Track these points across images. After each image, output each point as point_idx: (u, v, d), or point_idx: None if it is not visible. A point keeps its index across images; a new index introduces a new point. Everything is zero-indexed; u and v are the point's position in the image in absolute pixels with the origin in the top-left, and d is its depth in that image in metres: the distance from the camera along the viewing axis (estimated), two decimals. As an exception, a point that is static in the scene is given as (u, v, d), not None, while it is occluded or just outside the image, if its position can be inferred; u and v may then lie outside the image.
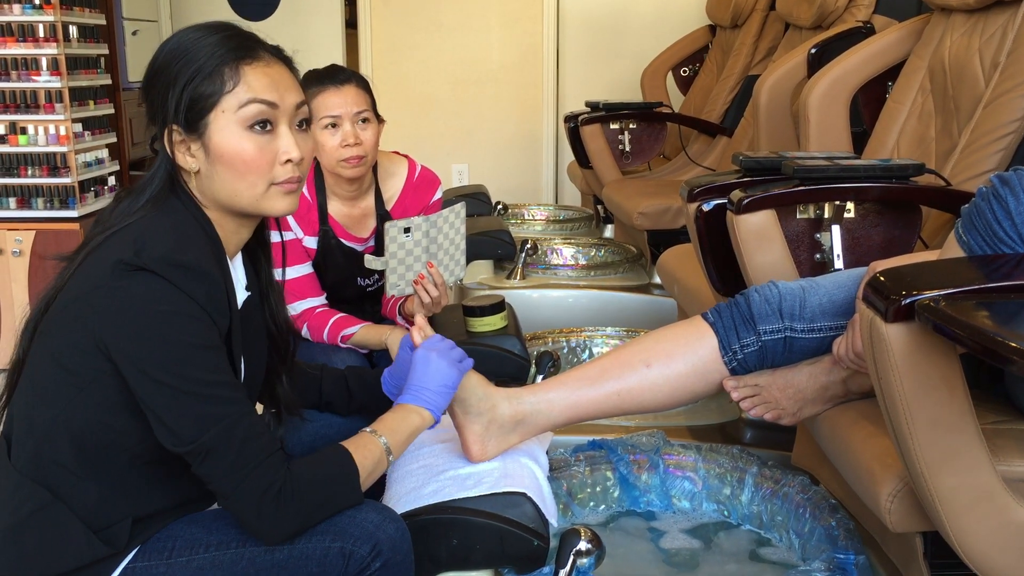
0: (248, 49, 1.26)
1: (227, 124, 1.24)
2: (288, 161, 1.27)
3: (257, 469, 1.20)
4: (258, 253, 1.42)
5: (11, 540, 1.23)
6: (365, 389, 1.64)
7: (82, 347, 1.19)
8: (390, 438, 1.36)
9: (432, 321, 2.17)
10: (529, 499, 1.49)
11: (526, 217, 4.47)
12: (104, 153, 3.72)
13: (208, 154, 1.26)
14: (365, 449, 1.32)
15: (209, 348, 1.20)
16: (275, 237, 1.47)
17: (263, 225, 1.41)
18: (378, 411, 1.45)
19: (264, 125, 1.26)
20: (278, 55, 1.31)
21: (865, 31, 2.96)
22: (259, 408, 1.45)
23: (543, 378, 2.08)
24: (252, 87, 1.25)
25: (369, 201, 2.17)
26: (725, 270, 2.00)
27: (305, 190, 2.13)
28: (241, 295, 1.35)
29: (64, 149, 3.44)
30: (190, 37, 1.26)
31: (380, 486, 1.63)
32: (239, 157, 1.25)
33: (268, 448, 1.22)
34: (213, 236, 1.29)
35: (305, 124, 1.32)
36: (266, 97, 1.25)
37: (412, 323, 2.05)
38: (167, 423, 1.18)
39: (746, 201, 1.85)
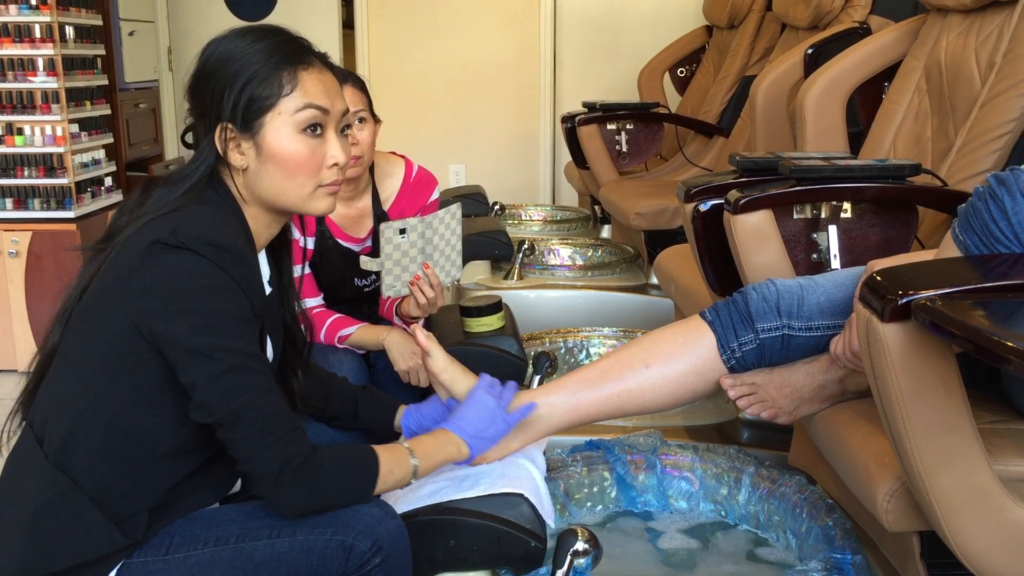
0: (303, 55, 1.32)
1: (282, 126, 1.29)
2: (334, 165, 1.33)
3: (283, 439, 1.22)
4: (281, 251, 1.47)
5: (30, 527, 1.23)
6: (374, 418, 1.66)
7: (120, 330, 1.22)
8: (421, 462, 1.38)
9: (429, 322, 2.17)
10: (526, 500, 1.49)
11: (523, 217, 4.47)
12: (101, 154, 3.72)
13: (260, 153, 1.30)
14: (393, 461, 1.34)
15: (243, 319, 1.23)
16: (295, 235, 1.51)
17: (287, 225, 1.45)
18: (380, 438, 1.47)
19: (315, 129, 1.31)
20: (326, 62, 1.37)
21: (861, 31, 2.97)
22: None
23: (540, 379, 2.08)
24: (308, 92, 1.30)
25: (366, 201, 2.17)
26: (722, 270, 2.01)
27: (302, 190, 2.13)
28: (265, 289, 1.38)
29: (61, 150, 3.43)
30: (244, 40, 1.31)
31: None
32: (292, 159, 1.30)
33: (294, 422, 1.25)
34: (247, 229, 1.33)
35: (346, 129, 1.38)
36: (320, 103, 1.31)
37: (408, 324, 2.05)
38: (203, 396, 1.21)
39: (743, 201, 1.85)
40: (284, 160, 1.30)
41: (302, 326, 1.51)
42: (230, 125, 1.29)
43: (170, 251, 1.20)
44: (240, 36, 1.31)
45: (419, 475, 1.37)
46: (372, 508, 1.30)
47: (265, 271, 1.41)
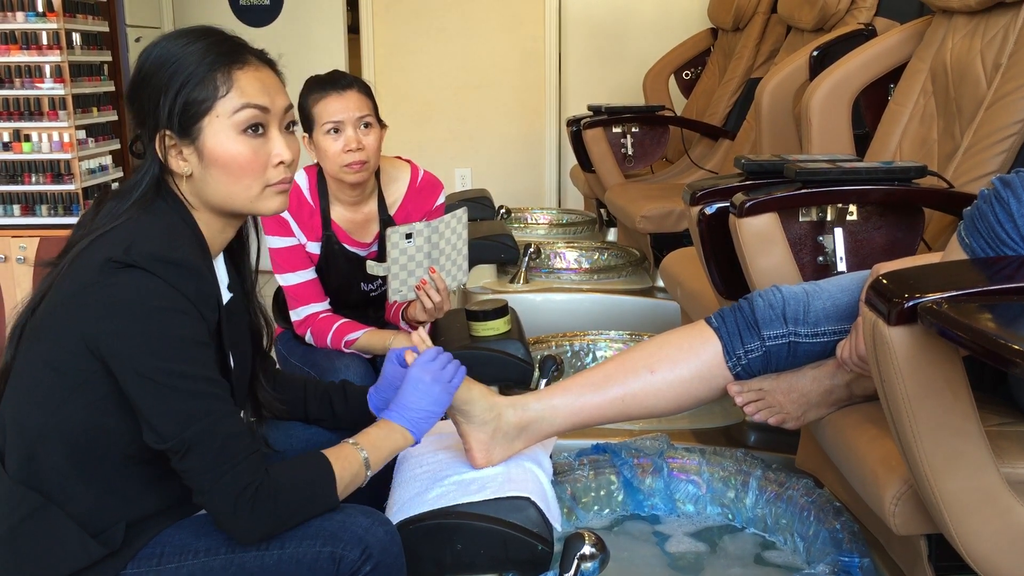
0: (238, 54, 1.29)
1: (221, 128, 1.27)
2: (280, 163, 1.30)
3: (236, 468, 1.20)
4: (239, 253, 1.45)
5: (6, 546, 1.23)
6: (350, 410, 1.62)
7: (72, 348, 1.20)
8: (371, 453, 1.36)
9: (435, 326, 2.18)
10: (533, 503, 1.49)
11: (529, 221, 4.47)
12: (108, 160, 3.73)
13: (202, 158, 1.28)
14: (345, 461, 1.33)
15: (197, 344, 1.21)
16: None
17: (244, 227, 1.43)
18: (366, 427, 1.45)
19: (257, 129, 1.29)
20: (264, 59, 1.33)
21: (867, 33, 2.96)
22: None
23: (546, 382, 2.08)
24: (245, 92, 1.27)
25: (372, 206, 2.18)
26: (728, 273, 2.00)
27: (308, 195, 2.13)
28: (225, 295, 1.37)
29: (68, 156, 3.45)
30: (177, 43, 1.28)
31: (384, 492, 1.63)
32: (234, 161, 1.27)
33: (249, 448, 1.23)
34: (199, 237, 1.31)
35: (291, 126, 1.35)
36: (259, 102, 1.28)
37: (415, 329, 2.05)
38: (151, 419, 1.19)
39: (749, 204, 1.85)
40: (227, 163, 1.27)
41: (267, 326, 1.49)
42: (168, 132, 1.27)
43: (122, 270, 1.18)
44: (173, 39, 1.29)
45: (372, 466, 1.35)
46: (360, 517, 1.29)
47: (223, 276, 1.39)
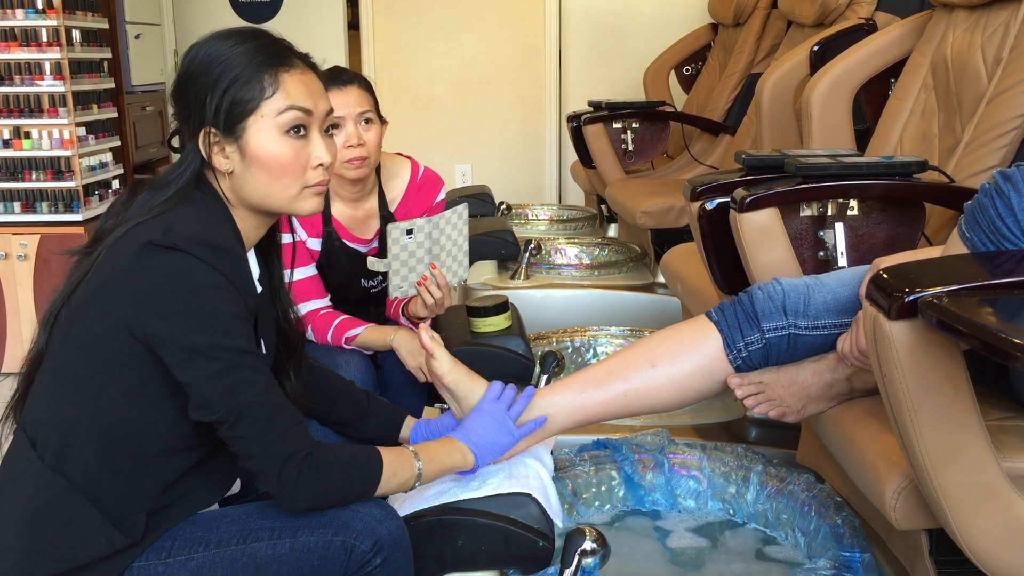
0: (284, 56, 1.32)
1: (265, 129, 1.29)
2: (319, 165, 1.33)
3: (286, 434, 1.23)
4: (270, 252, 1.47)
5: (29, 529, 1.23)
6: (380, 428, 1.65)
7: (112, 332, 1.22)
8: (426, 466, 1.38)
9: (436, 322, 2.18)
10: (534, 499, 1.49)
11: (530, 217, 4.47)
12: (108, 157, 3.73)
13: (244, 156, 1.30)
14: (398, 464, 1.34)
15: (240, 318, 1.24)
16: (285, 239, 1.51)
17: (276, 225, 1.45)
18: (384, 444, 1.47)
19: (299, 130, 1.31)
20: (308, 63, 1.37)
21: (867, 28, 2.96)
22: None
23: (547, 378, 2.08)
24: (290, 94, 1.30)
25: (372, 202, 2.17)
26: (729, 269, 2.00)
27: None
28: (256, 288, 1.38)
29: (68, 153, 3.45)
30: (226, 44, 1.30)
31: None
32: (276, 161, 1.30)
33: (295, 417, 1.26)
34: (236, 230, 1.34)
35: (331, 129, 1.39)
36: (303, 104, 1.31)
37: (416, 325, 2.06)
38: (203, 395, 1.21)
39: (749, 199, 1.85)
40: (268, 163, 1.30)
41: (296, 327, 1.51)
42: (213, 129, 1.29)
43: (163, 252, 1.20)
44: (222, 39, 1.31)
45: (423, 479, 1.38)
46: (373, 509, 1.31)
47: (255, 270, 1.41)
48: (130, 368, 1.23)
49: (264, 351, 1.38)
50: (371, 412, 1.65)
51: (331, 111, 1.37)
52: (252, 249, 1.41)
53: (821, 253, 1.88)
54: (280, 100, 1.29)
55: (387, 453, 1.33)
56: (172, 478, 1.29)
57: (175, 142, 1.36)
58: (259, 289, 1.40)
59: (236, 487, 1.44)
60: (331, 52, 5.06)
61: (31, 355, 1.33)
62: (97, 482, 1.25)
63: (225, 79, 1.28)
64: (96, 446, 1.24)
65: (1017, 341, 0.91)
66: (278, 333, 1.47)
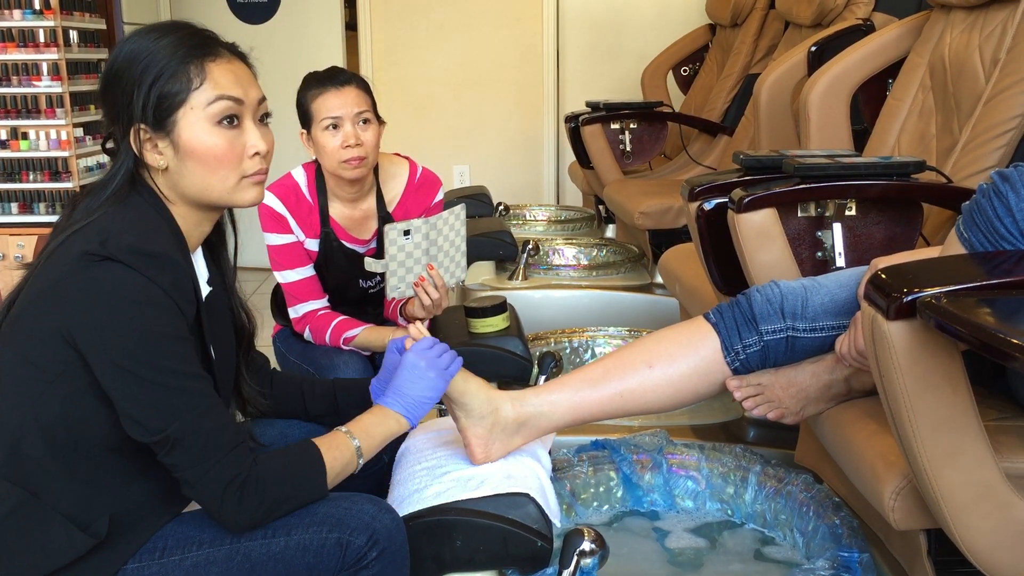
0: (209, 47, 1.30)
1: (196, 121, 1.28)
2: (256, 154, 1.32)
3: (223, 460, 1.22)
4: (218, 247, 1.45)
5: None
6: (353, 403, 1.61)
7: (48, 340, 1.21)
8: (363, 441, 1.37)
9: (434, 323, 2.18)
10: (532, 500, 1.49)
11: (527, 218, 4.47)
12: (105, 158, 3.72)
13: (178, 151, 1.28)
14: (336, 450, 1.34)
15: (176, 338, 1.21)
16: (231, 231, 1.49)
17: (221, 219, 1.43)
18: None
19: (232, 120, 1.30)
20: (236, 52, 1.34)
21: (865, 29, 2.96)
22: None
23: (545, 379, 2.08)
24: (219, 84, 1.28)
25: (370, 203, 2.17)
26: (727, 269, 2.00)
27: (306, 192, 2.13)
28: (204, 290, 1.37)
29: (65, 154, 3.44)
30: (148, 38, 1.28)
31: (384, 488, 1.63)
32: (211, 152, 1.28)
33: (234, 440, 1.24)
34: (176, 230, 1.31)
35: (265, 118, 1.36)
36: (232, 93, 1.29)
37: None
38: (134, 413, 1.19)
39: (747, 200, 1.85)
40: (203, 155, 1.28)
41: (248, 323, 1.49)
42: (143, 126, 1.27)
43: (98, 263, 1.18)
44: (144, 35, 1.29)
45: (365, 453, 1.37)
46: (366, 504, 1.30)
47: (203, 271, 1.39)
48: (67, 376, 1.21)
49: (215, 355, 1.35)
50: (341, 396, 1.63)
51: (263, 99, 1.35)
52: (200, 248, 1.39)
53: (819, 253, 1.88)
54: (208, 91, 1.27)
55: (322, 442, 1.33)
56: (132, 475, 1.27)
57: (110, 145, 1.33)
58: (207, 291, 1.38)
59: None
60: (329, 53, 5.05)
61: None
62: (54, 487, 1.23)
63: (150, 73, 1.26)
64: (45, 452, 1.23)
65: (1015, 341, 0.91)
66: (235, 330, 1.45)
